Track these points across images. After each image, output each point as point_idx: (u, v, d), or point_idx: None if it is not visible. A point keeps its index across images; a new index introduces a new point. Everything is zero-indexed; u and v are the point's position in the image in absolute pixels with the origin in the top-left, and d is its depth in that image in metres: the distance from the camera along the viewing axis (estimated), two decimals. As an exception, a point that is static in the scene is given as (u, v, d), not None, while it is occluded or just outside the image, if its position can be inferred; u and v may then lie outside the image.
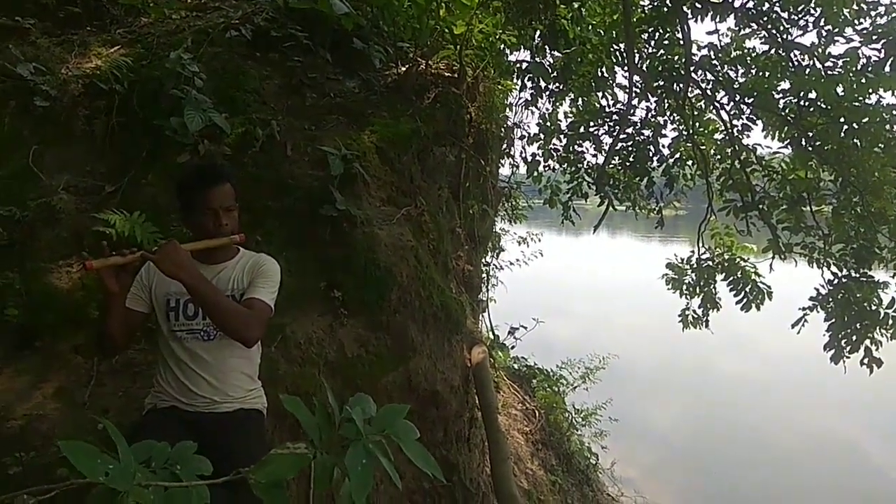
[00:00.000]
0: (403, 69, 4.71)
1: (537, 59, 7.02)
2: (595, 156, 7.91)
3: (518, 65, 6.90)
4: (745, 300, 7.14)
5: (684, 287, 7.93)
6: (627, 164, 7.51)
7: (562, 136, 7.87)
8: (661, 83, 6.87)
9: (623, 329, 15.32)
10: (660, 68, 6.84)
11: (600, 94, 7.51)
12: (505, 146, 6.68)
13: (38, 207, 3.49)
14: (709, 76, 6.83)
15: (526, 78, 7.01)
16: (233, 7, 4.70)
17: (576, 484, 7.36)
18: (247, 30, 4.29)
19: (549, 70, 7.05)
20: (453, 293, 4.41)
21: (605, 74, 7.27)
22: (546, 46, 7.05)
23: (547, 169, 8.09)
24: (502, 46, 5.47)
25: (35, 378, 3.06)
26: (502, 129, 6.19)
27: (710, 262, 7.68)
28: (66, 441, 0.74)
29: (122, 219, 3.27)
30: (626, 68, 6.82)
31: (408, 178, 4.27)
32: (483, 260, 6.58)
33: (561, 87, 7.41)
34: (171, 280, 2.14)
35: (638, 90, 7.00)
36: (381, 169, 4.07)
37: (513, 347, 8.66)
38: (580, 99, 7.60)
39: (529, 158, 7.86)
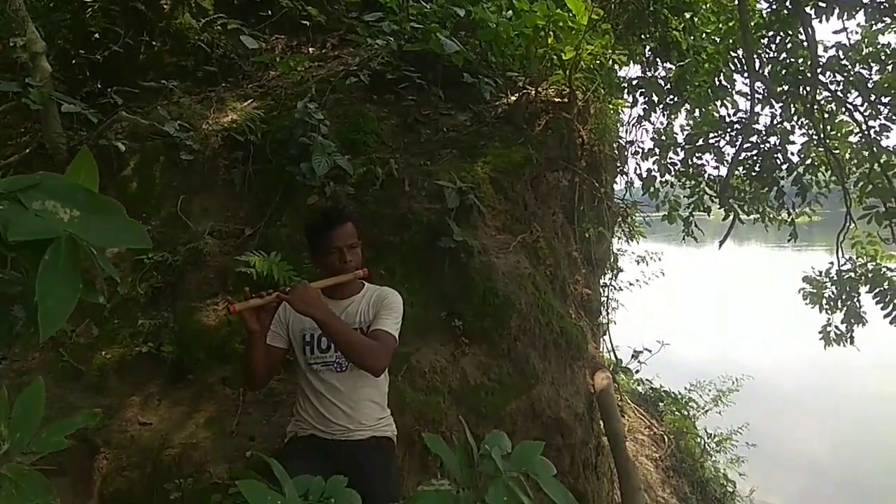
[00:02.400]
0: (513, 98, 4.75)
1: (649, 74, 6.82)
2: (717, 168, 7.55)
3: (629, 81, 6.74)
4: (893, 313, 6.53)
5: (824, 301, 7.34)
6: (753, 174, 7.09)
7: (679, 150, 7.60)
8: (786, 88, 6.46)
9: (755, 346, 14.26)
10: (783, 73, 6.44)
11: (719, 104, 7.17)
12: (619, 164, 6.54)
13: (187, 252, 3.87)
14: (838, 77, 6.35)
15: (638, 93, 6.82)
16: (351, 55, 5.00)
17: (712, 513, 6.97)
18: (364, 75, 4.55)
19: (663, 84, 6.82)
20: (573, 318, 4.37)
21: (724, 83, 6.92)
22: (658, 59, 6.85)
23: (664, 184, 7.81)
24: (612, 64, 5.37)
25: (188, 409, 3.37)
26: (615, 149, 6.06)
27: (853, 274, 7.08)
28: (241, 480, 0.85)
29: (260, 259, 3.55)
30: (746, 75, 6.49)
31: (522, 205, 4.30)
32: (601, 282, 6.44)
33: (675, 100, 7.15)
34: (304, 317, 2.30)
35: (761, 97, 6.61)
36: (495, 198, 4.12)
37: (637, 371, 8.35)
38: (697, 110, 7.30)
39: (645, 174, 7.64)
